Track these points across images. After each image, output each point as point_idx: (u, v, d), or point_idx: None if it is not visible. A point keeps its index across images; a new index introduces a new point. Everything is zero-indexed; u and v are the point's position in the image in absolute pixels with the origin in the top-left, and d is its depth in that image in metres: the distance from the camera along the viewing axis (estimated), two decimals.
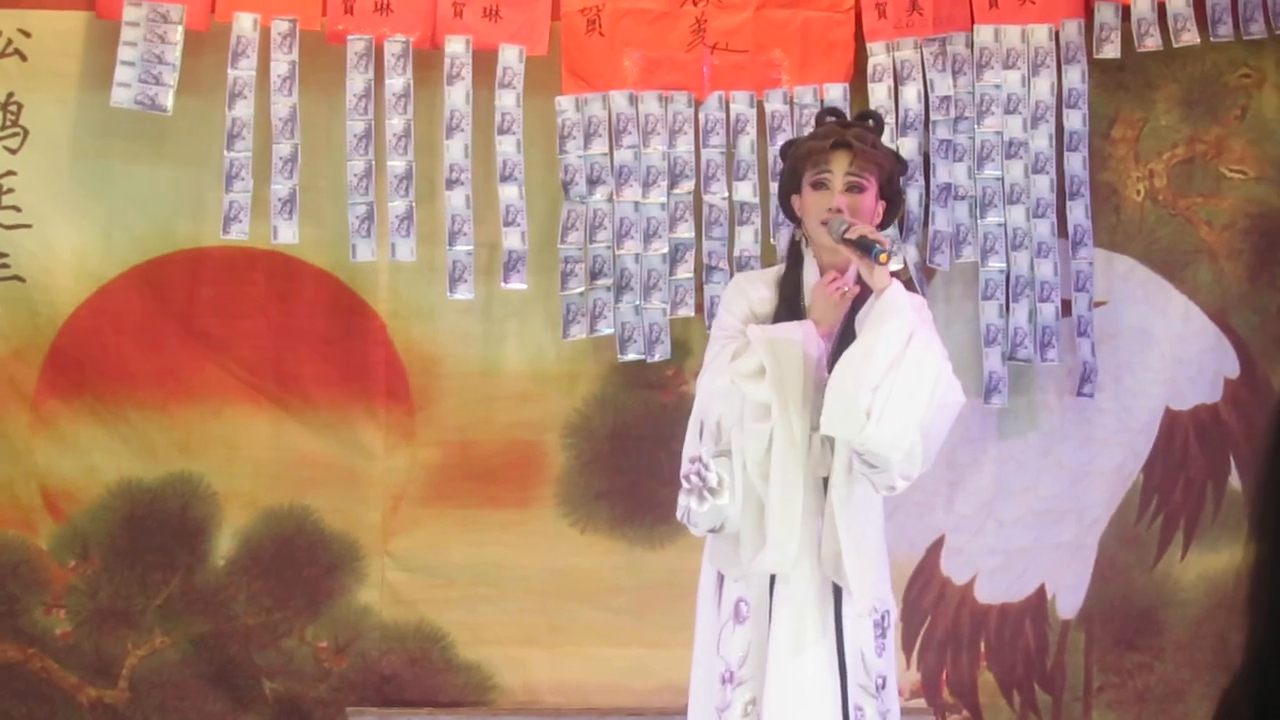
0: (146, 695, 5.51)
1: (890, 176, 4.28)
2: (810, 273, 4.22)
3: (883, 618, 4.21)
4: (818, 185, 4.19)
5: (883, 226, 4.34)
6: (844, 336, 4.12)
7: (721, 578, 4.26)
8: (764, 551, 4.09)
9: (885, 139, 5.27)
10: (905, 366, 3.93)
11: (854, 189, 4.18)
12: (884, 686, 4.19)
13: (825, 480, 4.11)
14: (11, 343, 5.43)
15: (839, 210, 4.12)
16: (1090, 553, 5.61)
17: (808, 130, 5.30)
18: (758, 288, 4.28)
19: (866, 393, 3.89)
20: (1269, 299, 5.60)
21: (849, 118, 4.54)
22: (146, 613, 5.52)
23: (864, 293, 4.10)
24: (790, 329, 4.12)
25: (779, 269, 4.37)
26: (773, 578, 4.14)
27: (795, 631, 4.11)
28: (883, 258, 3.95)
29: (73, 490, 5.48)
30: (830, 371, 4.02)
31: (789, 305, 4.22)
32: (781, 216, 5.34)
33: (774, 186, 5.37)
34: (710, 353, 4.27)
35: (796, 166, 4.27)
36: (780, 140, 5.36)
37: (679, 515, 4.25)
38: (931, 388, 3.99)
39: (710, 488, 4.13)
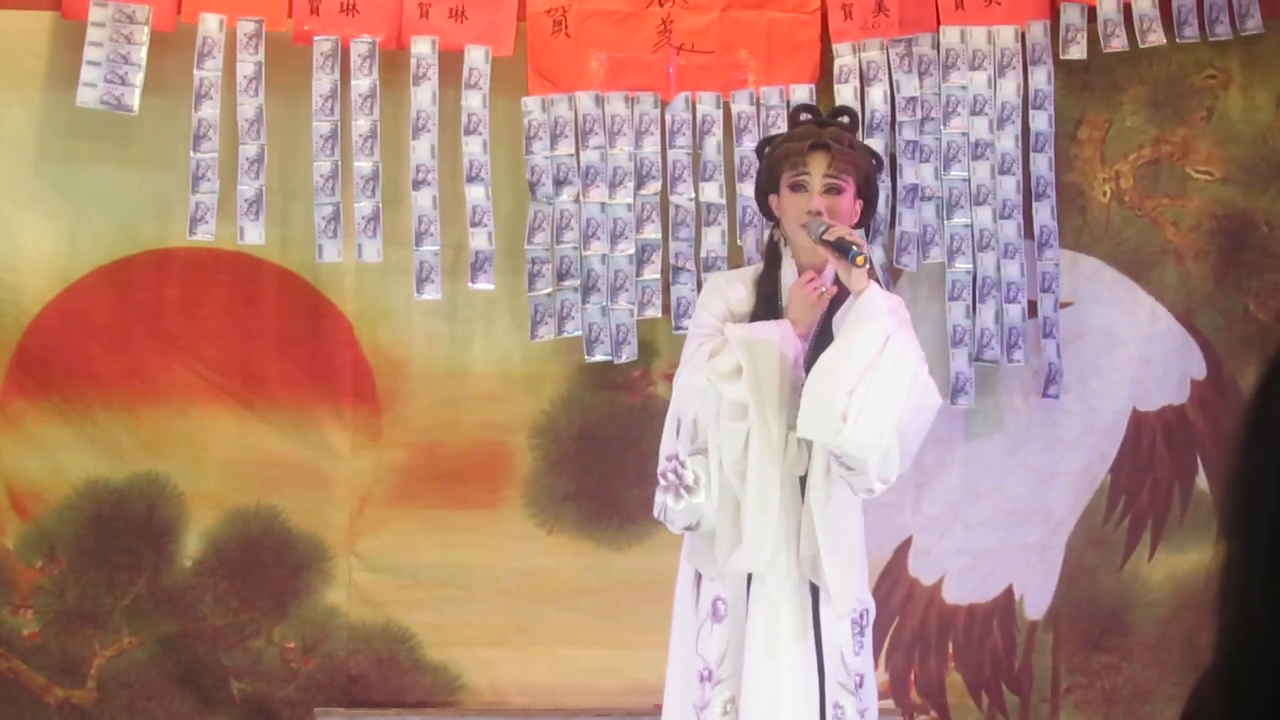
0: (114, 695, 5.51)
1: (868, 176, 4.30)
2: (788, 272, 4.24)
3: (861, 616, 4.23)
4: (796, 187, 4.20)
5: (861, 225, 4.36)
6: (821, 337, 4.14)
7: (699, 576, 4.28)
8: (739, 550, 4.11)
9: None
10: (882, 369, 3.95)
11: (832, 190, 4.20)
12: (862, 685, 4.21)
13: (802, 480, 4.12)
14: None
15: (818, 213, 4.13)
16: (1058, 554, 5.61)
17: (775, 130, 5.34)
18: (735, 287, 4.30)
19: (843, 395, 3.91)
20: (1235, 300, 5.60)
21: (823, 114, 4.54)
22: (114, 613, 5.51)
23: (842, 293, 4.11)
24: (768, 329, 4.13)
25: (756, 268, 4.39)
26: (750, 576, 4.15)
27: (772, 630, 4.14)
28: (859, 260, 3.97)
29: (39, 490, 5.47)
30: (807, 372, 4.03)
31: (766, 304, 4.23)
32: (748, 216, 5.38)
33: (740, 187, 5.40)
34: (687, 350, 4.29)
35: (774, 167, 4.29)
36: (746, 141, 5.39)
37: (655, 513, 4.26)
38: (908, 390, 4.01)
39: (686, 485, 4.14)
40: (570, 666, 5.58)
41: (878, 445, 3.96)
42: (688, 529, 4.23)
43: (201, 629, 5.52)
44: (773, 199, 4.30)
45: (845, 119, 4.40)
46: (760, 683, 4.11)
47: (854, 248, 3.98)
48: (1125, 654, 5.63)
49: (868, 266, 4.02)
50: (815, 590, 4.14)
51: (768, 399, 4.07)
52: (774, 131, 5.38)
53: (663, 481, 4.21)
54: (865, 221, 4.38)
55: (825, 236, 4.03)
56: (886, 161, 5.40)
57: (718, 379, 4.10)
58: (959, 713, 5.63)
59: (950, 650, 5.64)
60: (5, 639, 5.48)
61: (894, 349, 3.97)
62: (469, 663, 5.58)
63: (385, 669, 5.56)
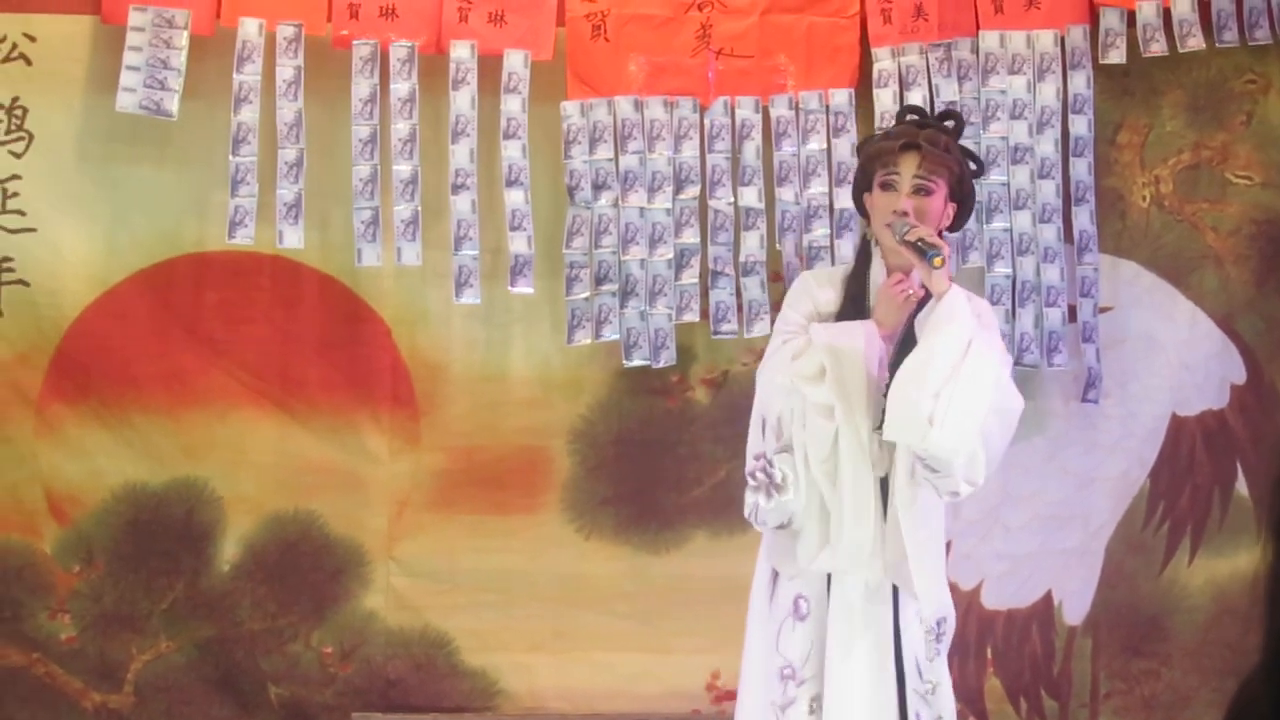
0: (151, 700, 5.50)
1: (961, 179, 4.27)
2: (877, 272, 4.24)
3: (938, 624, 4.23)
4: (886, 186, 4.21)
5: (954, 229, 4.36)
6: (905, 339, 4.14)
7: (776, 574, 4.27)
8: (828, 550, 4.12)
9: None
10: (966, 373, 3.95)
11: (921, 191, 4.19)
12: (934, 692, 4.20)
13: (883, 480, 4.12)
14: (16, 347, 5.42)
15: (904, 213, 4.13)
16: (1097, 559, 5.60)
17: (813, 135, 5.35)
18: (825, 288, 4.29)
19: (928, 399, 3.92)
20: (1275, 305, 5.59)
21: (929, 116, 4.52)
22: (151, 617, 5.51)
23: (926, 295, 4.11)
24: (852, 331, 4.13)
25: (846, 267, 4.41)
26: (829, 576, 4.15)
27: (851, 633, 4.14)
28: (937, 261, 3.97)
29: (77, 494, 5.47)
30: (891, 374, 4.03)
31: (854, 304, 4.24)
32: (787, 221, 5.38)
33: (779, 192, 5.39)
34: (771, 347, 4.29)
35: (867, 166, 4.29)
36: (785, 145, 5.41)
37: (747, 513, 4.25)
38: (991, 393, 4.02)
39: (776, 484, 4.15)
40: (608, 672, 5.57)
41: (963, 448, 3.97)
42: (780, 527, 4.22)
43: (239, 634, 5.52)
44: (866, 197, 4.29)
45: (950, 123, 4.39)
46: (842, 684, 4.11)
47: (931, 249, 3.98)
48: (1165, 659, 5.61)
49: (947, 269, 4.02)
50: (894, 595, 4.14)
51: (854, 401, 4.06)
52: (812, 136, 5.40)
53: (752, 481, 4.21)
54: (958, 225, 4.38)
55: (906, 237, 4.04)
56: None
57: (801, 381, 4.10)
58: (997, 718, 5.62)
59: (989, 655, 5.63)
60: (43, 643, 5.47)
61: (977, 352, 3.98)
62: (507, 668, 5.57)
63: (423, 674, 5.55)
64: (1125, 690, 5.62)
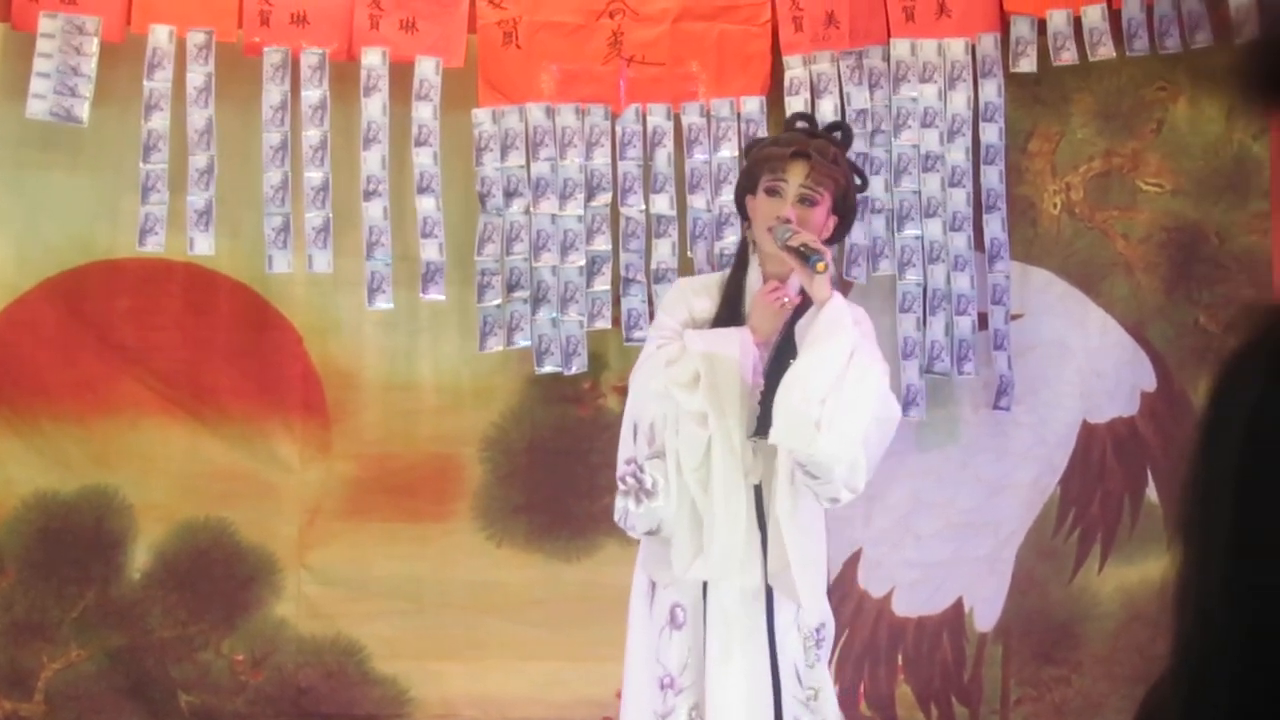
0: (62, 708, 5.48)
1: (846, 193, 4.29)
2: (754, 277, 4.24)
3: (817, 630, 4.24)
4: (771, 192, 4.21)
5: (832, 241, 4.37)
6: (783, 345, 4.15)
7: (653, 583, 4.27)
8: (702, 559, 4.11)
9: None
10: (849, 380, 3.98)
11: (806, 201, 4.20)
12: (817, 699, 4.19)
13: (756, 488, 4.12)
14: None
15: (787, 220, 4.13)
16: (1008, 566, 5.60)
17: (724, 142, 5.35)
18: (700, 296, 4.31)
19: (815, 405, 3.92)
20: (1185, 312, 5.60)
21: (818, 126, 4.52)
22: (62, 626, 5.49)
23: (805, 301, 4.12)
24: (727, 338, 4.14)
25: (723, 274, 4.41)
26: (705, 584, 4.16)
27: (728, 640, 4.14)
28: (820, 267, 3.99)
29: None
30: (766, 380, 4.05)
31: (731, 308, 4.25)
32: (699, 228, 5.38)
33: (691, 199, 5.39)
34: (645, 352, 4.29)
35: (754, 169, 4.30)
36: (697, 153, 5.40)
37: (616, 518, 4.28)
38: (873, 401, 4.03)
39: (647, 490, 4.16)
40: (520, 679, 5.56)
41: (846, 455, 3.99)
42: (648, 533, 4.24)
43: (150, 641, 5.50)
44: (749, 200, 4.30)
45: (839, 134, 4.40)
46: (719, 692, 4.11)
47: (815, 255, 3.99)
48: (1075, 666, 5.62)
49: (829, 276, 4.03)
50: (769, 601, 4.14)
51: (728, 409, 4.08)
52: (723, 144, 5.40)
53: (622, 486, 4.22)
54: (838, 238, 4.40)
55: (789, 243, 4.05)
56: None
57: (675, 387, 4.11)
58: None
59: (900, 663, 5.63)
60: None
61: (860, 360, 4.01)
62: (419, 675, 5.56)
63: (334, 682, 5.54)
64: (1036, 697, 5.62)
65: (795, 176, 4.19)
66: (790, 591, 4.10)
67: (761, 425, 4.08)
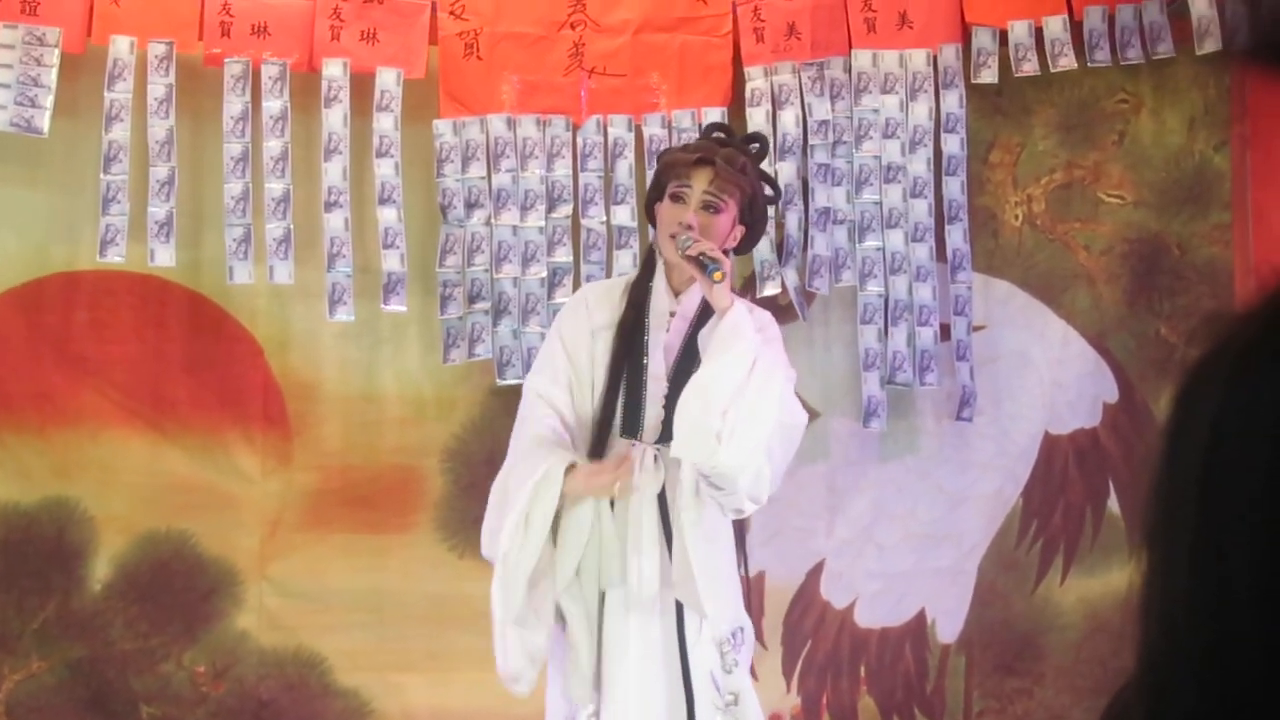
0: None
1: (754, 202, 4.24)
2: (660, 283, 4.22)
3: (733, 635, 4.18)
4: (675, 198, 4.18)
5: (741, 251, 4.36)
6: (686, 353, 4.13)
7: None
8: (621, 589, 4.12)
9: (764, 164, 5.31)
10: (751, 390, 3.93)
11: (709, 208, 4.16)
12: (738, 703, 4.16)
13: (661, 497, 4.10)
14: None
15: (689, 226, 4.11)
16: (970, 577, 5.60)
17: None
18: (602, 307, 4.27)
19: (716, 417, 3.90)
20: (1147, 323, 5.60)
21: (734, 136, 4.49)
22: (23, 637, 5.47)
23: (707, 309, 4.10)
24: (601, 486, 4.07)
25: (629, 277, 4.39)
26: (603, 597, 4.14)
27: (632, 651, 4.11)
28: (717, 276, 3.96)
29: None
30: (669, 387, 4.07)
31: (635, 311, 4.22)
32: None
33: None
34: (535, 378, 4.27)
35: (661, 176, 4.27)
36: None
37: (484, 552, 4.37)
38: (775, 410, 4.00)
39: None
40: (481, 690, 5.51)
41: (750, 465, 3.94)
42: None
43: (111, 653, 5.49)
44: (658, 207, 4.28)
45: (755, 146, 4.38)
46: (626, 705, 4.09)
47: (711, 264, 3.97)
48: (1037, 678, 5.61)
49: (728, 284, 4.02)
50: (678, 609, 4.11)
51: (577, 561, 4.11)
52: None
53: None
54: (746, 248, 4.36)
55: (688, 251, 4.02)
56: (798, 185, 5.42)
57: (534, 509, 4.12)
58: None
59: (862, 674, 5.62)
60: None
61: (761, 370, 3.95)
62: (380, 688, 5.55)
63: (296, 694, 5.53)
64: (998, 708, 5.62)
65: (699, 183, 4.16)
66: (694, 602, 4.05)
67: (664, 435, 4.07)
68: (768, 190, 4.37)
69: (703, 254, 3.99)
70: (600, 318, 4.24)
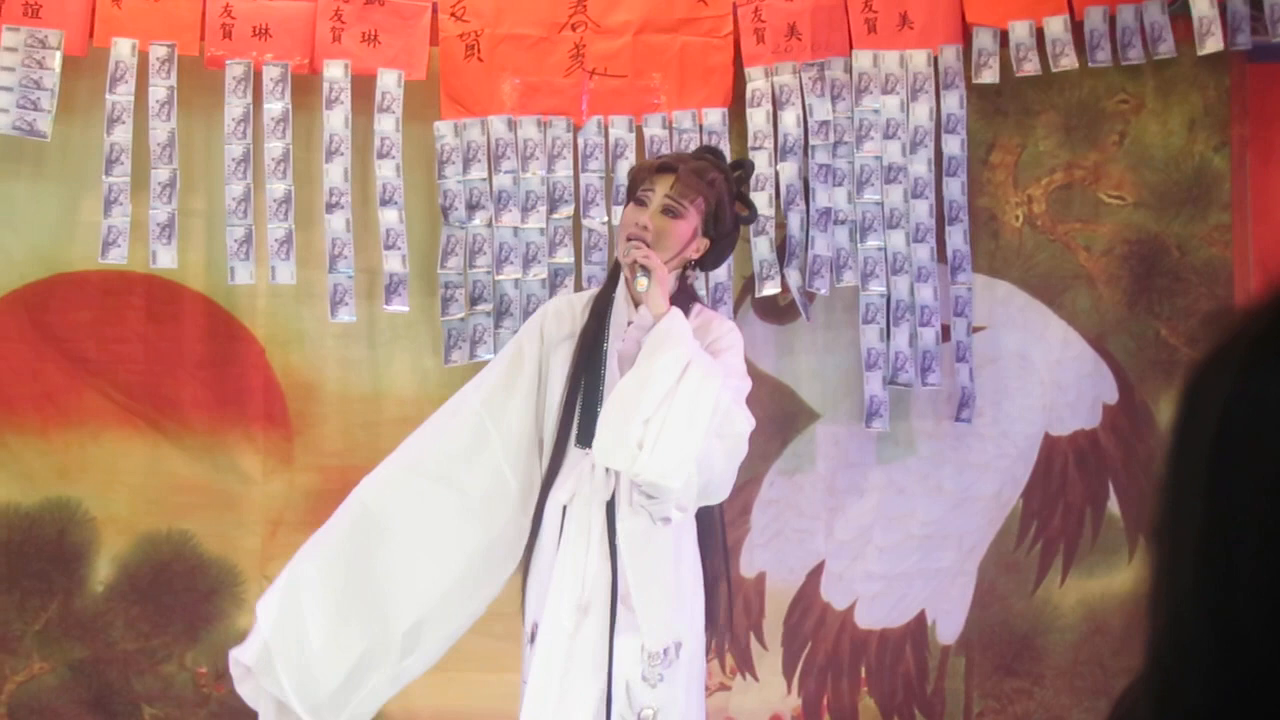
0: None
1: (718, 214, 4.20)
2: (621, 291, 4.21)
3: (665, 652, 4.07)
4: (638, 202, 4.19)
5: (706, 267, 4.35)
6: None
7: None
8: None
9: (764, 164, 5.32)
10: (680, 397, 3.88)
11: (668, 212, 4.15)
12: (655, 718, 4.06)
13: (609, 504, 4.08)
14: None
15: (645, 228, 4.10)
16: (970, 578, 5.60)
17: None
18: (563, 321, 4.27)
19: (638, 424, 3.86)
20: (1147, 325, 5.60)
21: (722, 159, 4.44)
22: (25, 638, 5.48)
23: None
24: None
25: (594, 290, 4.42)
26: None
27: (557, 658, 4.09)
28: (639, 283, 3.98)
29: None
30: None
31: (598, 320, 4.21)
32: None
33: None
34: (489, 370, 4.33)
35: (630, 185, 4.29)
36: None
37: None
38: (708, 417, 3.92)
39: None
40: (484, 691, 5.54)
41: (678, 473, 3.90)
42: None
43: (113, 654, 5.50)
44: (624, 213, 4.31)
45: (739, 173, 4.36)
46: (539, 709, 4.08)
47: (641, 272, 3.99)
48: (1037, 679, 5.62)
49: (663, 290, 4.01)
50: (614, 618, 4.07)
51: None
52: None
53: None
54: (709, 264, 4.33)
55: (624, 257, 4.05)
56: (799, 185, 5.42)
57: None
58: None
59: (863, 675, 5.62)
60: None
61: (694, 375, 3.90)
62: None
63: None
64: (998, 709, 5.62)
65: (661, 187, 4.15)
66: (628, 608, 4.03)
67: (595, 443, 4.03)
68: (743, 212, 4.33)
69: (634, 261, 4.01)
70: (560, 330, 4.23)
